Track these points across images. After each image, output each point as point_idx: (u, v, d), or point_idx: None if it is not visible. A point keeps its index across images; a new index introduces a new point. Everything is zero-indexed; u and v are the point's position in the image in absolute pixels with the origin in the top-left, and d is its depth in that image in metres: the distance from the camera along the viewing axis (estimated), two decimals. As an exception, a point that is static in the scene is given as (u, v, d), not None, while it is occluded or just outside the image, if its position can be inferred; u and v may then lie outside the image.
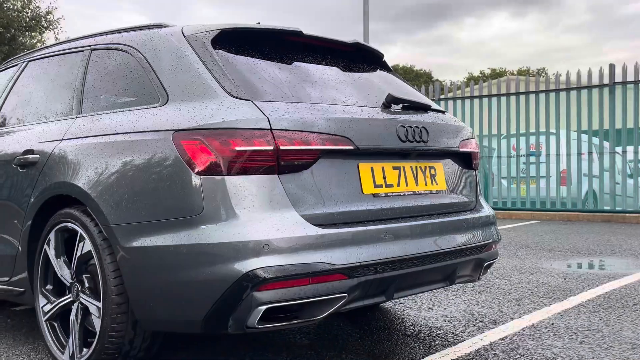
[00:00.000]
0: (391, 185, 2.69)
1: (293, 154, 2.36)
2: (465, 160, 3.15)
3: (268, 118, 2.34)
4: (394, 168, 2.72)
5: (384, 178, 2.67)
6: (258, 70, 2.65)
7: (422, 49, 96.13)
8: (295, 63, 2.87)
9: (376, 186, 2.63)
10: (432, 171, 2.91)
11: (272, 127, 2.34)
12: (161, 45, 2.74)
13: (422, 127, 2.81)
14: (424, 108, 3.00)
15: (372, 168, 2.63)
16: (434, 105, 3.14)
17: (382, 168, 2.67)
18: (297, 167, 2.37)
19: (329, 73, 2.93)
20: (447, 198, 2.97)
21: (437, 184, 2.92)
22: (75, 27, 68.73)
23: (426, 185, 2.86)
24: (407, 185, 2.76)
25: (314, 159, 2.41)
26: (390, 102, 2.81)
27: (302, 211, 2.34)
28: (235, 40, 2.74)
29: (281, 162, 2.33)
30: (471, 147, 3.16)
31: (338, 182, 2.49)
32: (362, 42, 3.24)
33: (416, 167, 2.82)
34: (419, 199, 2.80)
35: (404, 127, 2.72)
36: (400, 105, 2.87)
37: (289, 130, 2.36)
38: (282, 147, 2.33)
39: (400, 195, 2.71)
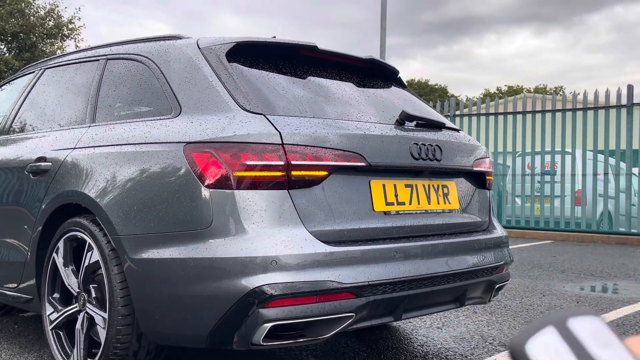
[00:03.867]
0: (403, 203, 2.66)
1: (304, 169, 2.33)
2: (479, 179, 3.11)
3: (280, 132, 2.33)
4: (406, 186, 2.69)
5: (396, 196, 2.64)
6: (271, 84, 2.64)
7: (442, 64, 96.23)
8: (310, 78, 2.85)
9: (387, 204, 2.59)
10: (445, 190, 2.87)
11: (284, 142, 2.32)
12: (176, 57, 2.74)
13: (436, 145, 2.78)
14: (438, 126, 2.98)
15: (384, 185, 2.60)
16: (448, 123, 3.11)
17: (394, 185, 2.64)
18: (308, 183, 2.35)
19: (343, 88, 2.92)
20: (460, 217, 2.93)
21: (449, 203, 2.88)
22: (101, 33, 69.82)
23: (438, 204, 2.82)
24: (419, 203, 2.72)
25: (325, 175, 2.39)
26: (404, 119, 2.79)
27: (311, 227, 2.31)
28: (250, 54, 2.73)
29: (292, 178, 2.31)
30: (485, 166, 3.12)
31: (349, 198, 2.47)
32: (377, 58, 3.22)
33: (429, 186, 2.79)
34: (431, 218, 2.76)
35: (417, 144, 2.69)
36: (414, 122, 2.84)
37: (300, 145, 2.34)
38: (293, 162, 2.31)
39: (411, 213, 2.68)
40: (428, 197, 2.78)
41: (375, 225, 2.52)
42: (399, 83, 3.38)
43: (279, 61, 2.80)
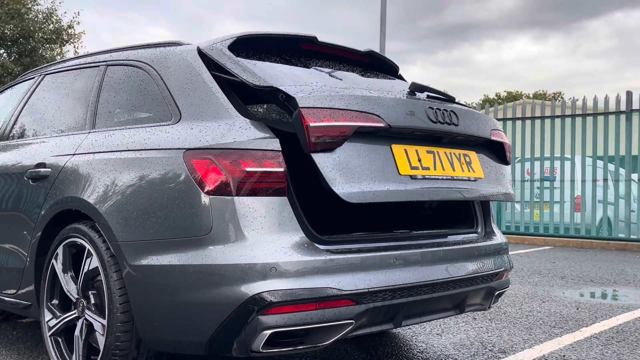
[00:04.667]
0: (427, 169, 2.59)
1: (323, 131, 2.28)
2: (499, 153, 3.02)
3: (295, 97, 2.30)
4: (428, 152, 2.63)
5: (419, 161, 2.57)
6: (273, 75, 2.62)
7: (442, 70, 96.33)
8: (310, 70, 2.86)
9: (412, 168, 2.53)
10: (467, 159, 2.81)
11: (300, 106, 2.28)
12: (176, 63, 2.74)
13: (451, 110, 2.72)
14: (449, 99, 2.94)
15: (405, 150, 2.55)
16: (458, 100, 3.08)
17: (416, 151, 2.59)
18: (330, 145, 2.29)
19: (345, 76, 2.92)
20: (487, 187, 2.85)
21: (474, 172, 2.81)
22: (103, 39, 70.00)
23: (463, 171, 2.75)
24: (444, 169, 2.66)
25: (345, 136, 2.33)
26: (414, 90, 2.76)
27: (339, 189, 2.25)
28: (251, 47, 2.73)
29: (312, 140, 2.26)
30: (502, 137, 3.04)
31: (373, 161, 2.40)
32: (376, 52, 3.24)
33: (450, 154, 2.73)
34: (459, 185, 2.69)
35: (432, 109, 2.62)
36: (425, 94, 2.81)
37: (316, 107, 2.30)
38: (311, 125, 2.26)
39: (438, 179, 2.60)
40: (452, 164, 2.70)
41: (403, 187, 2.46)
42: (400, 78, 3.38)
43: (279, 54, 2.81)
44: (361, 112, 2.39)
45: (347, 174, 2.31)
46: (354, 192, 2.30)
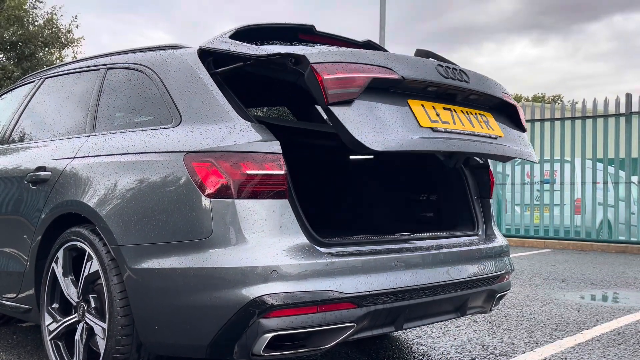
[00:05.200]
0: (447, 123, 2.57)
1: (338, 84, 2.27)
2: (513, 117, 2.99)
3: (304, 54, 2.30)
4: (445, 109, 2.61)
5: (438, 115, 2.55)
6: None
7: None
8: None
9: (432, 121, 2.51)
10: (484, 118, 2.79)
11: (311, 62, 2.28)
12: (176, 66, 2.74)
13: (460, 70, 2.70)
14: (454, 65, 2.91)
15: (422, 105, 2.53)
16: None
17: (433, 107, 2.57)
18: (345, 96, 2.28)
19: None
20: (509, 145, 2.81)
21: (493, 130, 2.79)
22: (102, 42, 69.99)
23: (482, 129, 2.72)
24: (463, 125, 2.63)
25: (359, 89, 2.31)
26: (419, 55, 2.75)
27: (362, 138, 2.22)
28: (251, 39, 2.73)
29: (329, 93, 2.25)
30: (513, 101, 3.00)
31: (392, 114, 2.38)
32: (374, 42, 3.25)
33: (467, 112, 2.71)
34: (480, 141, 2.65)
35: (442, 66, 2.61)
36: (430, 59, 2.79)
37: (327, 62, 2.30)
38: (326, 77, 2.25)
39: (460, 133, 2.57)
40: (470, 122, 2.68)
41: (427, 136, 2.43)
42: None
43: (278, 43, 2.82)
44: (374, 65, 2.38)
45: (368, 124, 2.28)
46: (378, 140, 2.26)
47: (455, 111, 2.65)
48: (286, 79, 2.49)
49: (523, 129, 3.04)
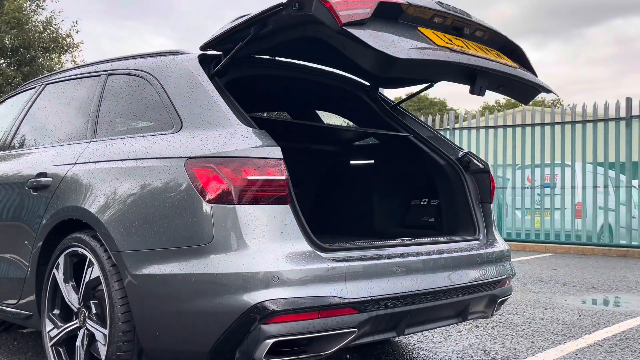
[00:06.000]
0: (461, 47, 2.58)
1: (345, 5, 2.28)
2: (521, 59, 2.97)
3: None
4: (456, 38, 2.63)
5: (451, 41, 2.57)
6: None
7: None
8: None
9: (446, 42, 2.52)
10: (494, 52, 2.80)
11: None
12: (177, 72, 2.74)
13: (459, 8, 2.72)
14: None
15: (434, 32, 2.55)
16: None
17: (445, 35, 2.58)
18: (356, 19, 2.28)
19: None
20: (523, 74, 2.80)
21: (504, 58, 2.78)
22: (103, 48, 70.10)
23: (497, 57, 2.72)
24: (477, 52, 2.63)
25: (368, 13, 2.31)
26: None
27: (388, 51, 2.21)
28: None
29: (341, 19, 2.25)
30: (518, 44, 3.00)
31: (406, 35, 2.39)
32: None
33: (477, 46, 2.71)
34: (500, 64, 2.65)
35: (441, 3, 2.62)
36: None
37: None
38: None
39: (474, 55, 2.57)
40: (481, 49, 2.68)
41: (446, 51, 2.43)
42: None
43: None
44: None
45: (386, 40, 2.28)
46: (399, 50, 2.25)
47: (466, 43, 2.66)
48: (293, 38, 2.49)
49: (534, 72, 3.03)
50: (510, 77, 2.73)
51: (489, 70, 2.59)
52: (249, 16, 2.53)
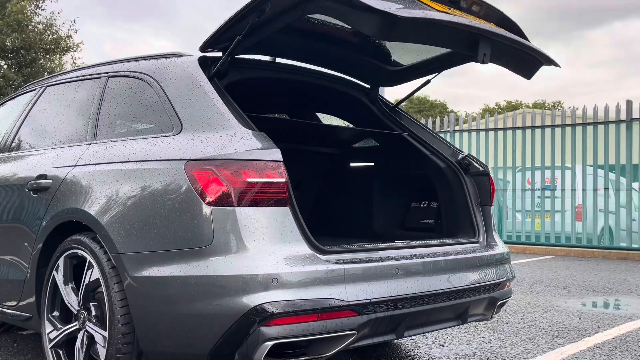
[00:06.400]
0: (460, 15, 2.58)
1: None
2: (520, 35, 2.93)
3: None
4: (454, 9, 2.63)
5: (449, 9, 2.57)
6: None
7: (442, 80, 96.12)
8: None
9: (446, 10, 2.52)
10: (492, 25, 2.78)
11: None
12: (177, 74, 2.75)
13: None
14: None
15: (431, 1, 2.56)
16: None
17: (442, 5, 2.58)
18: None
19: None
20: (522, 44, 2.80)
21: (505, 31, 2.75)
22: (105, 51, 70.11)
23: (497, 28, 2.72)
24: (474, 20, 2.63)
25: None
26: None
27: (391, 10, 2.23)
28: None
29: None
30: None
31: (406, 3, 2.39)
32: None
33: (473, 17, 2.71)
34: (501, 32, 2.65)
35: None
36: None
37: None
38: None
39: (475, 25, 2.56)
40: (480, 20, 2.69)
41: (448, 14, 2.43)
42: None
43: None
44: None
45: (389, 3, 2.27)
46: (402, 11, 2.26)
47: (463, 15, 2.65)
48: (291, 21, 2.50)
49: (527, 39, 2.98)
50: (511, 44, 2.71)
51: (491, 35, 2.58)
52: (244, 4, 2.52)
